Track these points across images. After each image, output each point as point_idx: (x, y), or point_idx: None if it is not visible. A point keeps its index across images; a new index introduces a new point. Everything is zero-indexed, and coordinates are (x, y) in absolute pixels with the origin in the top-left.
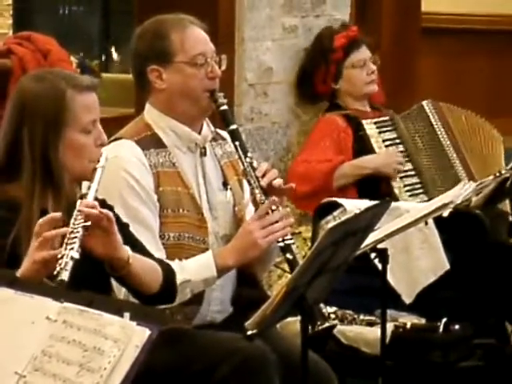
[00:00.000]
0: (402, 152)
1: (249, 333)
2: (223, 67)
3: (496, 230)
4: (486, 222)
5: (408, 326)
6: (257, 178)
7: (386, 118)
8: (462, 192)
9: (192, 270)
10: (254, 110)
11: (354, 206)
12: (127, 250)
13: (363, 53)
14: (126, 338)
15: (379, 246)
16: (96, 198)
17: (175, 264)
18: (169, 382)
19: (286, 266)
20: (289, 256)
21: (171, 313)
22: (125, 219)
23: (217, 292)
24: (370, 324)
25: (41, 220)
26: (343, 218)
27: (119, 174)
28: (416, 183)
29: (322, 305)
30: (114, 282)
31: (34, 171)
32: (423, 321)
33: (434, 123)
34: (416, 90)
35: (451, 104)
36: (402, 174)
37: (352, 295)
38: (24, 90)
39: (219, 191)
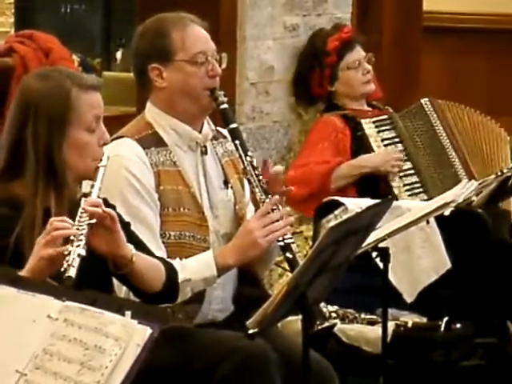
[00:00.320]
0: (401, 151)
1: (250, 331)
2: (223, 65)
3: (498, 229)
4: (488, 220)
5: (409, 324)
6: (257, 176)
7: (385, 116)
8: (463, 191)
9: (192, 269)
10: (256, 108)
11: (355, 204)
12: (131, 249)
13: (357, 53)
14: (127, 336)
15: (380, 244)
16: (98, 197)
17: (176, 263)
18: (170, 381)
19: (286, 265)
20: (289, 255)
21: (172, 311)
22: (126, 218)
23: (218, 291)
24: (372, 323)
25: (54, 219)
26: (344, 217)
27: (120, 172)
28: (415, 182)
29: (322, 304)
30: (114, 281)
31: (37, 169)
32: (424, 320)
33: (433, 121)
34: (417, 88)
35: (452, 102)
36: (402, 174)
37: (353, 294)
38: (29, 88)
39: (220, 190)
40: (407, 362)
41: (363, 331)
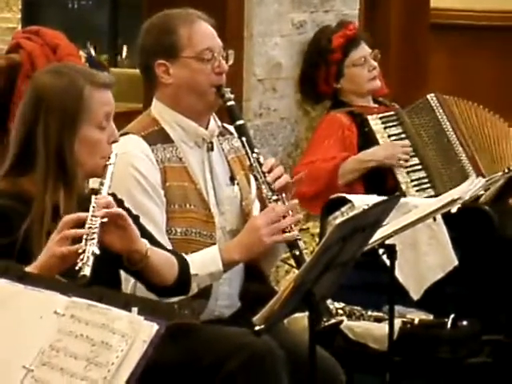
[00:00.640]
0: (407, 147)
1: (256, 328)
2: (230, 62)
3: (504, 226)
4: (495, 217)
5: (416, 322)
6: (263, 173)
7: (391, 112)
8: (470, 188)
9: (198, 264)
10: (263, 105)
11: (362, 201)
12: (145, 244)
13: (362, 50)
14: (133, 332)
15: (387, 241)
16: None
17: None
18: (176, 377)
19: (293, 262)
20: (295, 252)
21: (179, 308)
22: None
23: (224, 286)
24: (378, 320)
25: (67, 217)
26: (351, 214)
27: (126, 169)
28: (423, 177)
29: (329, 301)
30: (121, 274)
31: (47, 166)
32: (431, 317)
33: (440, 117)
34: (425, 85)
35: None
36: (409, 169)
37: (360, 291)
38: (41, 84)
39: (226, 186)
40: (414, 359)
41: (370, 328)
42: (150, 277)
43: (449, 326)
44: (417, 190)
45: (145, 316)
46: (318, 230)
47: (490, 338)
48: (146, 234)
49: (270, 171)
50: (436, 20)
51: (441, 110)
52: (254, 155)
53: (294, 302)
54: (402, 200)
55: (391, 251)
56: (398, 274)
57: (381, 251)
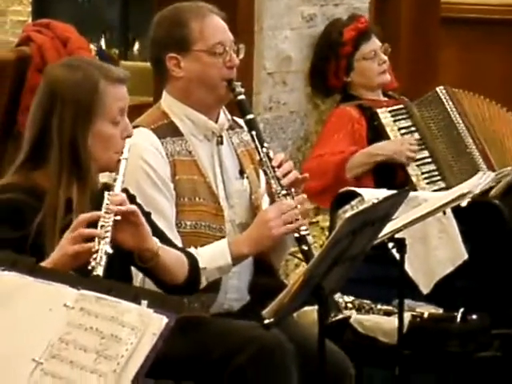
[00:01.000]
0: (417, 140)
1: (266, 322)
2: (241, 56)
3: None
4: (505, 211)
5: (425, 315)
6: (273, 168)
7: (401, 106)
8: (480, 181)
9: (207, 257)
10: (273, 98)
11: (371, 195)
12: (156, 242)
13: (373, 43)
14: (143, 325)
15: (397, 235)
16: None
17: (191, 251)
18: (185, 370)
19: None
20: (304, 247)
21: (188, 301)
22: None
23: (234, 280)
24: (388, 314)
25: (82, 216)
26: (361, 208)
27: (136, 162)
28: (433, 170)
29: (338, 294)
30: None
31: (61, 160)
32: (441, 311)
33: (449, 109)
34: (435, 79)
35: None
36: (419, 162)
37: (369, 285)
38: (56, 77)
39: (236, 180)
40: (423, 352)
41: (379, 322)
42: (160, 275)
43: (458, 319)
44: (427, 183)
45: (154, 309)
46: (327, 224)
47: (500, 332)
48: (157, 231)
49: (279, 166)
50: (447, 14)
51: (450, 103)
52: (264, 150)
53: (304, 295)
54: (412, 194)
55: (401, 245)
56: (407, 267)
57: (390, 245)
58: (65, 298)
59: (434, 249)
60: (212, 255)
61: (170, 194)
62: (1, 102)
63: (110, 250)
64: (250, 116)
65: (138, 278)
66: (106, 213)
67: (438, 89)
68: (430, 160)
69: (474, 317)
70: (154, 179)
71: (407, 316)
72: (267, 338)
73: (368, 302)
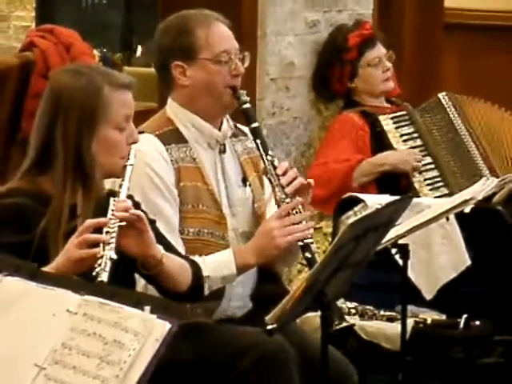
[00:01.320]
0: (420, 146)
1: (269, 327)
2: (246, 64)
3: None
4: (508, 217)
5: (428, 321)
6: (277, 176)
7: (403, 112)
8: (483, 188)
9: (211, 266)
10: (276, 104)
11: (374, 201)
12: (160, 250)
13: (378, 50)
14: (146, 331)
15: (400, 241)
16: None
17: (196, 259)
18: (188, 376)
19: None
20: (308, 255)
21: (191, 307)
22: (150, 215)
23: (238, 288)
24: (391, 320)
25: (88, 221)
26: (364, 213)
27: (141, 168)
28: (436, 176)
29: (341, 300)
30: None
31: (66, 166)
32: (444, 317)
33: (451, 115)
34: (438, 85)
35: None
36: (422, 168)
37: (372, 290)
38: (60, 83)
39: (238, 188)
40: (426, 359)
41: (382, 328)
42: (164, 282)
43: (461, 326)
44: (430, 189)
45: (157, 315)
46: (330, 230)
47: (503, 339)
48: (161, 239)
49: (284, 174)
50: (450, 20)
51: (452, 109)
52: (269, 158)
53: (306, 301)
54: (415, 200)
55: (404, 251)
56: (410, 273)
57: (394, 251)
58: (68, 304)
59: (437, 255)
60: (217, 264)
61: (175, 200)
62: (4, 108)
63: (115, 256)
64: (255, 124)
65: (140, 283)
66: (110, 218)
67: (440, 95)
68: (432, 166)
69: (477, 323)
70: (159, 185)
71: (410, 322)
72: (270, 343)
73: (371, 307)
